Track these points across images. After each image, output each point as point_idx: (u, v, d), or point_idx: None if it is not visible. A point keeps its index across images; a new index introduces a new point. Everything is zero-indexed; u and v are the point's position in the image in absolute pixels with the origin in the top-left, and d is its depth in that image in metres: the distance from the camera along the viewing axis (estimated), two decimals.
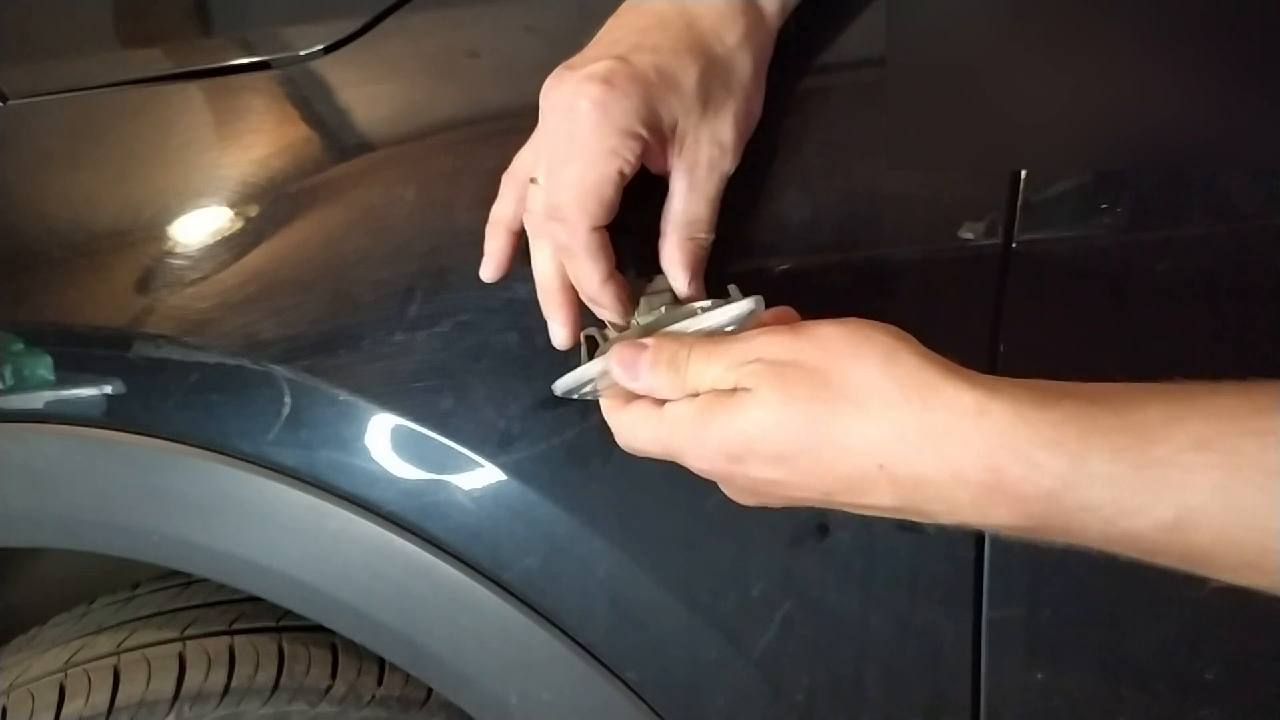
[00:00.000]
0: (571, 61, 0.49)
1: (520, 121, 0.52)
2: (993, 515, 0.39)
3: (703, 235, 0.50)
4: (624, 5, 0.51)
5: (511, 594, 0.57)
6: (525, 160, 0.53)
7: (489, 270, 0.53)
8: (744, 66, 0.50)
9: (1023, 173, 0.52)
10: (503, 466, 0.55)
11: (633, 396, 0.47)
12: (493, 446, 0.55)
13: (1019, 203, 0.52)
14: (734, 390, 0.43)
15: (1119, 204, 0.52)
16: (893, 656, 0.57)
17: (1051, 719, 0.58)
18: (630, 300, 0.50)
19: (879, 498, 0.41)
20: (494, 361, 0.55)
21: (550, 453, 0.55)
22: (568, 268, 0.50)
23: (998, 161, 0.52)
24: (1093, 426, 0.36)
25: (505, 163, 0.54)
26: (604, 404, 0.49)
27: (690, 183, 0.49)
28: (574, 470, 0.55)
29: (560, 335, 0.52)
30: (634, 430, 0.47)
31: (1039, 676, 0.57)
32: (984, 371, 0.40)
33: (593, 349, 0.51)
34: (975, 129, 0.47)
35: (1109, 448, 0.36)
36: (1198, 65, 0.43)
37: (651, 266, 0.51)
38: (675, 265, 0.50)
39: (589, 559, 0.56)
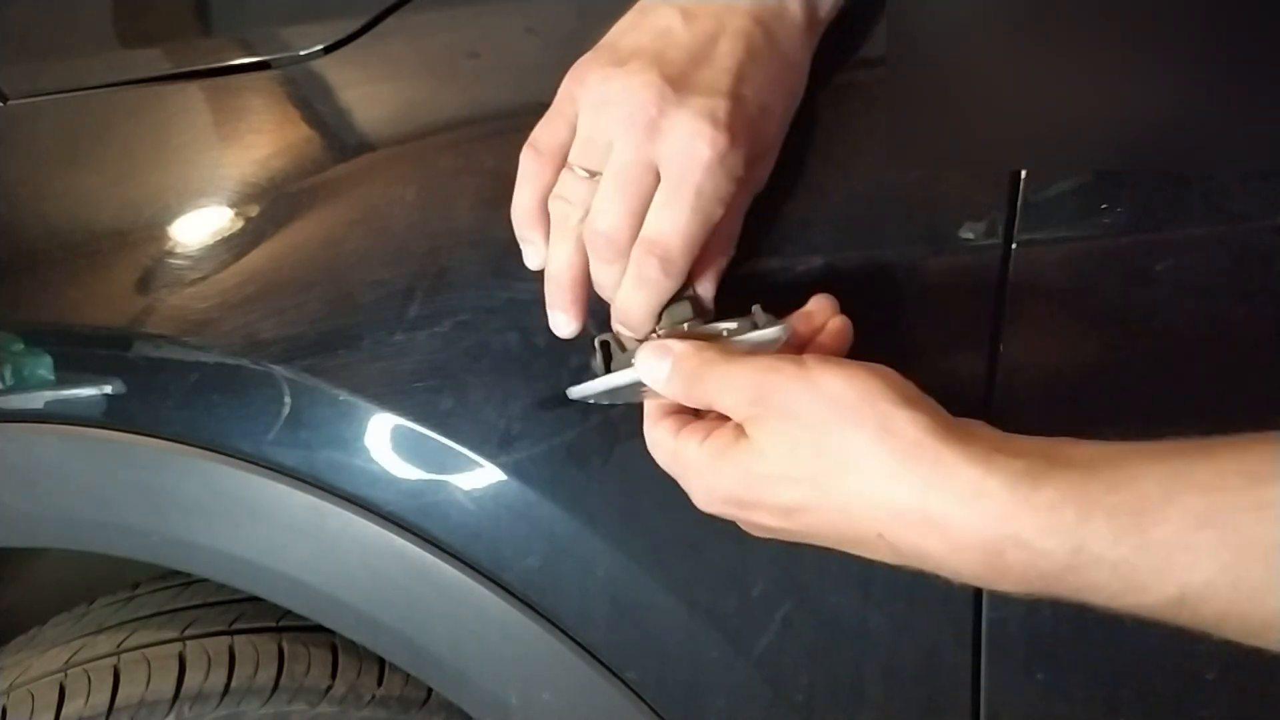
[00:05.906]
0: (669, 73, 0.44)
1: (520, 121, 0.51)
2: (997, 584, 0.39)
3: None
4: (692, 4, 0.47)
5: (511, 594, 0.57)
6: (558, 138, 0.48)
7: (536, 260, 0.50)
8: (805, 75, 0.50)
9: (1023, 173, 0.52)
10: (503, 466, 0.55)
11: (661, 412, 0.48)
12: (493, 446, 0.55)
13: (1019, 203, 0.52)
14: (738, 436, 0.43)
15: (1119, 204, 0.52)
16: (893, 657, 0.57)
17: (1051, 719, 0.58)
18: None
19: (881, 557, 0.41)
20: (494, 361, 0.54)
21: (550, 453, 0.55)
22: (634, 295, 0.47)
23: (998, 161, 0.52)
24: (1092, 507, 0.36)
25: (505, 163, 0.54)
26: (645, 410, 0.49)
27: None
28: (574, 470, 0.55)
29: (567, 327, 0.50)
30: (655, 452, 0.48)
31: (1039, 677, 0.57)
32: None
33: (608, 356, 0.50)
34: (975, 129, 0.47)
35: (1110, 531, 0.35)
36: (1198, 65, 0.43)
37: None
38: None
39: (589, 559, 0.56)
